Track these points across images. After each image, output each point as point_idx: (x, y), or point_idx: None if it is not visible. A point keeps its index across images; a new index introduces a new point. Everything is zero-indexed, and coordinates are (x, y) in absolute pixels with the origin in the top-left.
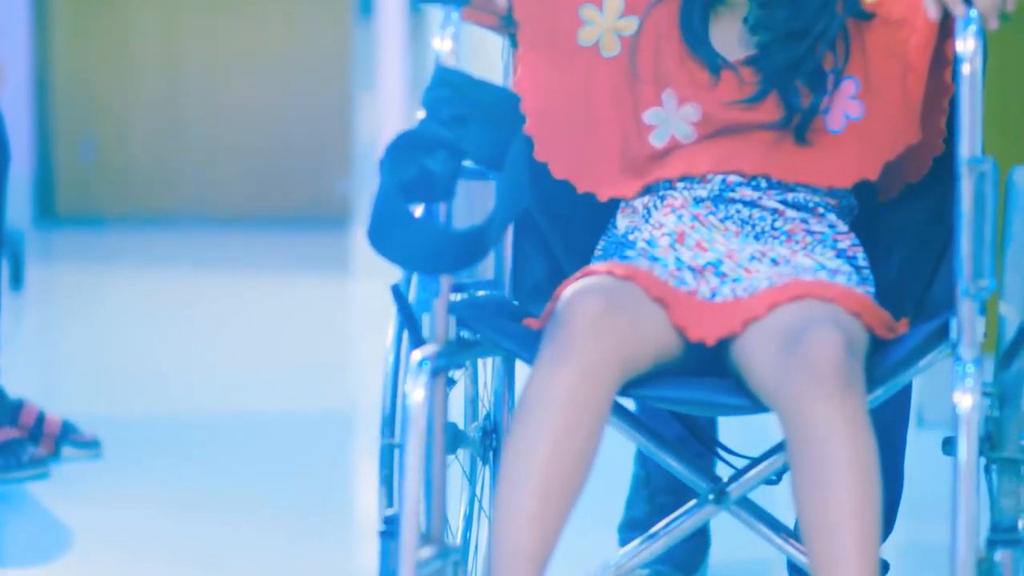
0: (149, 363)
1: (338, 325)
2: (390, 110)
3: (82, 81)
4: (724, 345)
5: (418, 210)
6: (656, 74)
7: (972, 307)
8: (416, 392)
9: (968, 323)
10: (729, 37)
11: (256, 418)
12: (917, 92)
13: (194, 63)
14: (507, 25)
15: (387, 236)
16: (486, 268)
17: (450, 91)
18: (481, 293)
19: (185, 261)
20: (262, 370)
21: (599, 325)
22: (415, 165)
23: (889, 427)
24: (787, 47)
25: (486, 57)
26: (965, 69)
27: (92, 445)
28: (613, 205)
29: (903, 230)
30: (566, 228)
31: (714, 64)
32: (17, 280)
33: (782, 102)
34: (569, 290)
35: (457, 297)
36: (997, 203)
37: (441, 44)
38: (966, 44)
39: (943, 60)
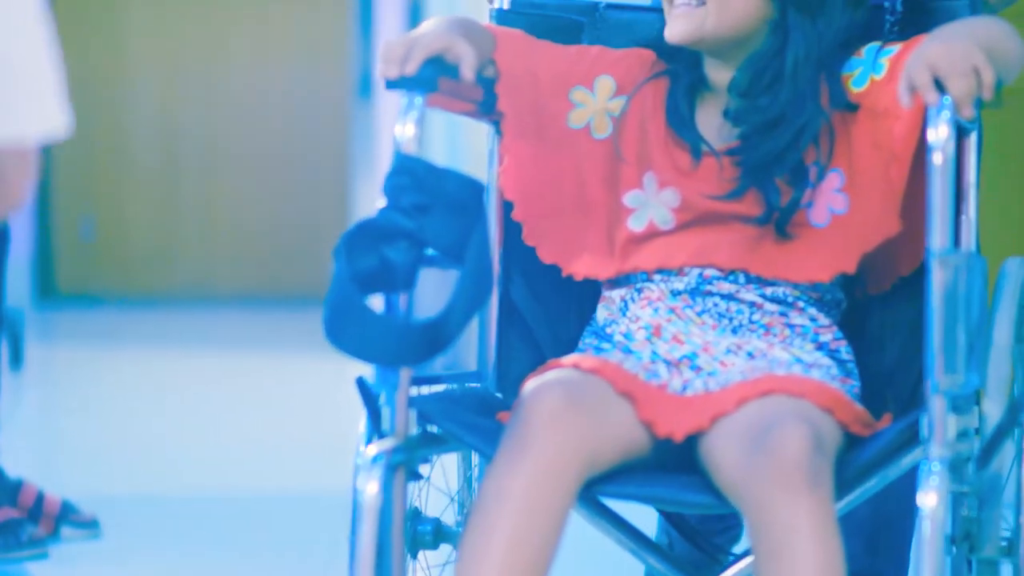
0: (149, 443)
1: (336, 405)
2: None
3: (81, 161)
4: (694, 441)
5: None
6: (639, 155)
7: (943, 404)
8: (369, 487)
9: (939, 421)
10: (714, 124)
11: (255, 499)
12: (900, 182)
13: (192, 143)
14: (485, 112)
15: (342, 328)
16: (469, 359)
17: (411, 179)
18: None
19: (185, 340)
20: (261, 450)
21: (560, 420)
22: (375, 255)
23: (895, 513)
24: (768, 139)
25: None
26: (936, 159)
27: (91, 525)
28: (598, 295)
29: (896, 324)
30: (551, 318)
31: (696, 148)
32: (17, 360)
33: (761, 198)
34: (531, 384)
35: (430, 389)
36: (986, 295)
37: (403, 130)
38: (938, 132)
39: None
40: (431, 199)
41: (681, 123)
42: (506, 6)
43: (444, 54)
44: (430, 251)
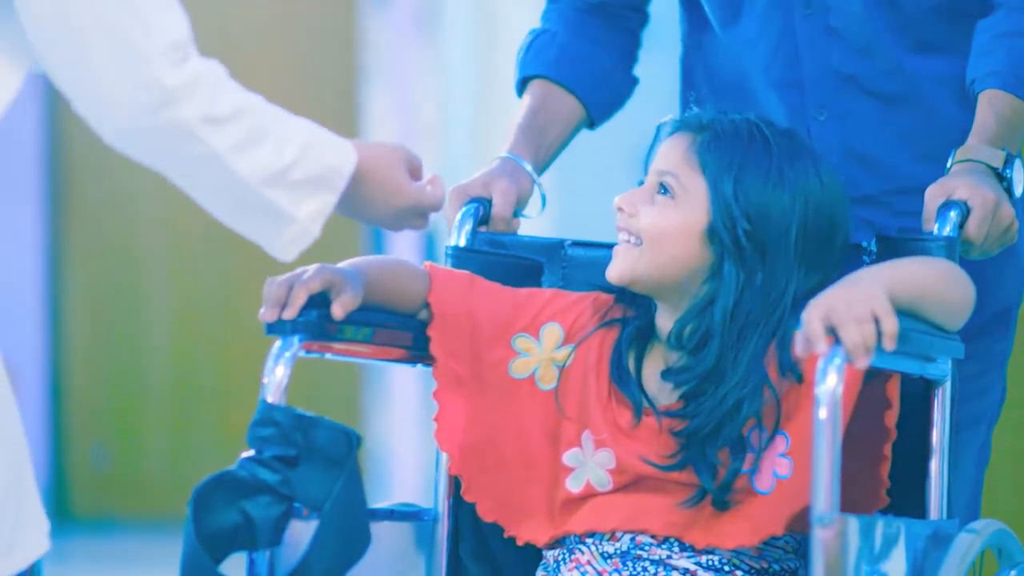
0: None
1: None
2: (404, 401)
3: (93, 388)
4: None
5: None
6: (580, 410)
7: None
8: None
9: None
10: (659, 377)
11: None
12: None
13: (206, 370)
14: (417, 356)
15: None
16: None
17: (275, 430)
18: None
19: None
20: None
21: None
22: (235, 510)
23: None
24: (706, 402)
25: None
26: (821, 413)
27: None
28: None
29: None
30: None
31: (638, 406)
32: None
33: (696, 475)
34: None
35: None
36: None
37: (271, 376)
38: (825, 384)
39: (884, 402)
40: (298, 451)
41: (623, 378)
42: (462, 243)
43: (328, 292)
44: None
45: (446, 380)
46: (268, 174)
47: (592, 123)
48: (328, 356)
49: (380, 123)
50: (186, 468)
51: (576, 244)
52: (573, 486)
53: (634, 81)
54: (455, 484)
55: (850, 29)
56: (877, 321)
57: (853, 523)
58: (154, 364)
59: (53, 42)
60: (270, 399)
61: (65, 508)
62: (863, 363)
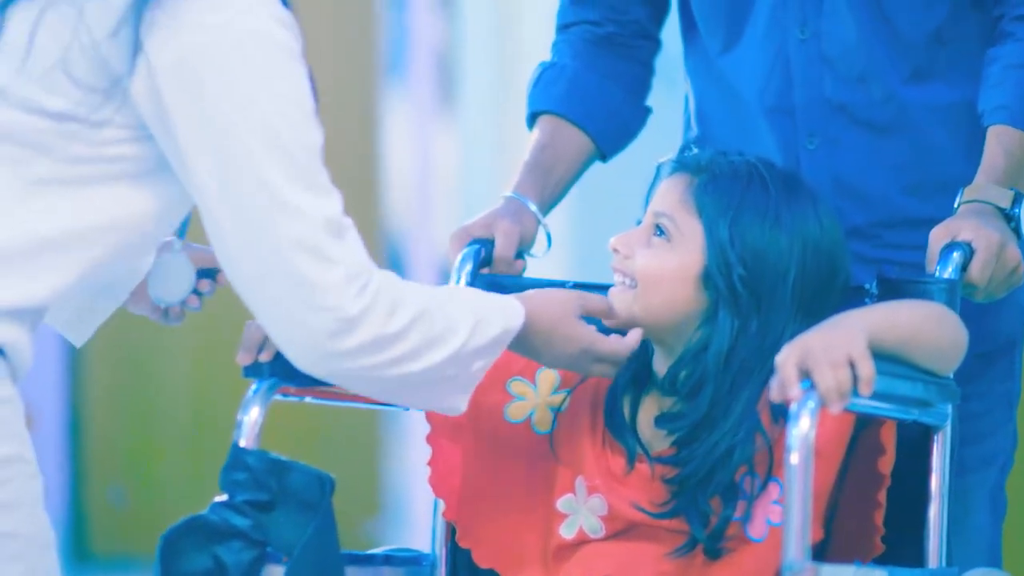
0: None
1: None
2: (421, 443)
3: (113, 427)
4: None
5: None
6: (574, 456)
7: None
8: None
9: None
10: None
11: None
12: (822, 484)
13: (224, 411)
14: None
15: None
16: None
17: (247, 475)
18: None
19: None
20: None
21: None
22: (206, 555)
23: None
24: (698, 449)
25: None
26: (792, 458)
27: None
28: None
29: None
30: None
31: (631, 452)
32: None
33: (687, 523)
34: None
35: None
36: None
37: (246, 418)
38: (798, 428)
39: (877, 448)
40: (272, 496)
41: (618, 424)
42: (463, 284)
43: None
44: None
45: (440, 424)
46: (439, 362)
47: (604, 156)
48: (308, 400)
49: (399, 176)
50: (203, 508)
51: (577, 286)
52: (566, 532)
53: (646, 112)
54: (451, 530)
55: (844, 58)
56: (853, 365)
57: (826, 571)
58: (172, 405)
59: (231, 261)
60: (243, 443)
61: (84, 547)
62: (837, 408)
